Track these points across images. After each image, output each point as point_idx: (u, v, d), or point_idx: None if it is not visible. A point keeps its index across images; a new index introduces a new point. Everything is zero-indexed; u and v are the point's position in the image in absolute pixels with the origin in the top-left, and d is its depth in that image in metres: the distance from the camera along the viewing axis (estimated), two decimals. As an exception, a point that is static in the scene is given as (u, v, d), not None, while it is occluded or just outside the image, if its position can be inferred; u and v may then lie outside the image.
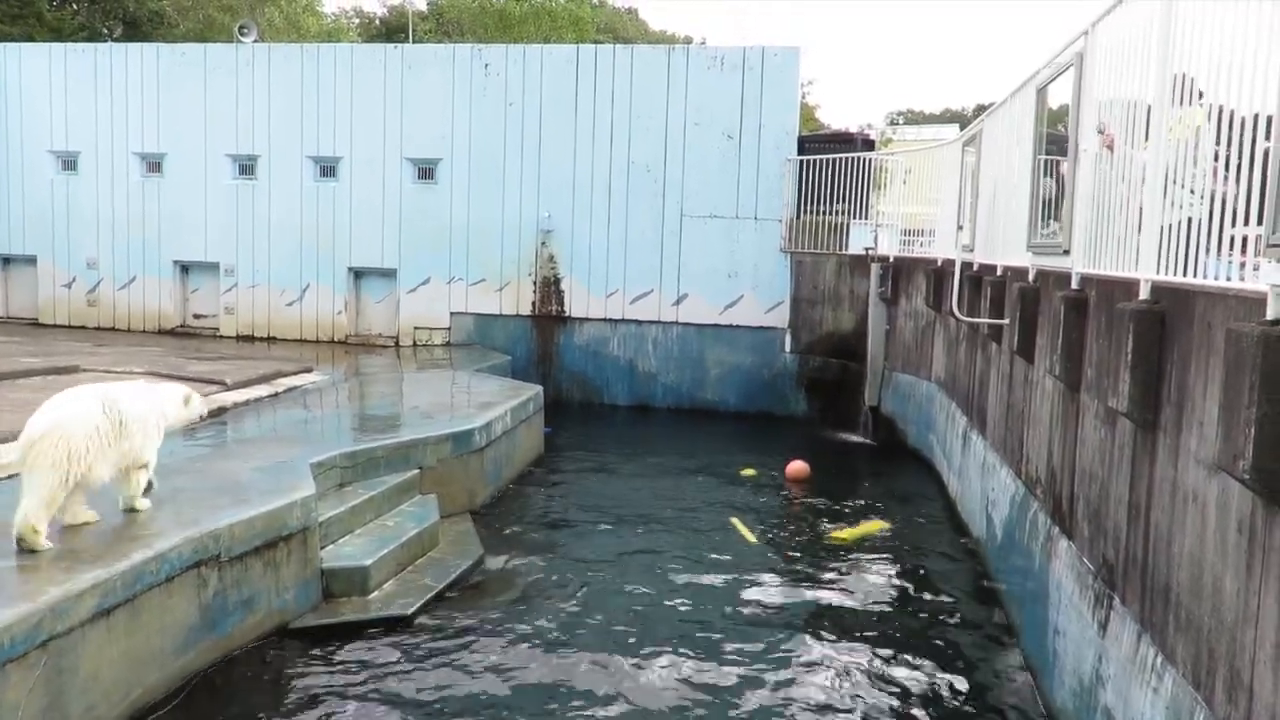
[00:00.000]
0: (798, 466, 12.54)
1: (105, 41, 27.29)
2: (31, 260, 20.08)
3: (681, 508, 11.09)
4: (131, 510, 6.77)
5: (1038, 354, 7.37)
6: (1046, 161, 7.48)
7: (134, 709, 5.81)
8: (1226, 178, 4.00)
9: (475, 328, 18.35)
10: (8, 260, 20.41)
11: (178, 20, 31.13)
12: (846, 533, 10.21)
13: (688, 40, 56.55)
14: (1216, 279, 4.15)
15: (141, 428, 6.61)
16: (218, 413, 10.79)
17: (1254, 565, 3.53)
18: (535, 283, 18.18)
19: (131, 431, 6.50)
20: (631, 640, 7.35)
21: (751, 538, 9.87)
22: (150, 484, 6.94)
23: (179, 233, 19.26)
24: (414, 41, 32.46)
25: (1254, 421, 3.25)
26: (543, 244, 18.04)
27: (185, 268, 19.62)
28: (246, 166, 18.99)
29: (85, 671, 5.41)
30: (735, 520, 10.37)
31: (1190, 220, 4.34)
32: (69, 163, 19.68)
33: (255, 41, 19.60)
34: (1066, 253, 6.46)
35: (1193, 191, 4.48)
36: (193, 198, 19.08)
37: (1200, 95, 4.42)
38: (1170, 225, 4.56)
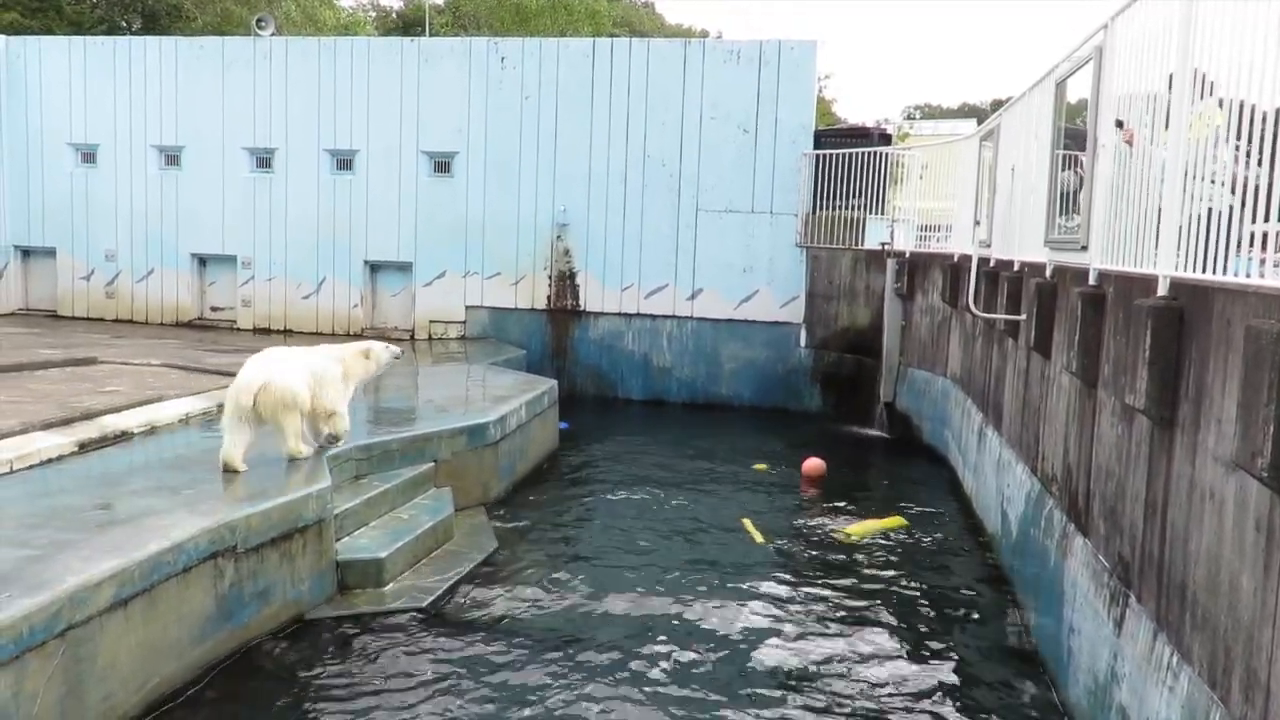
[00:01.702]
0: (814, 464, 12.49)
1: (124, 35, 27.44)
2: (51, 252, 20.23)
3: (694, 503, 11.09)
4: (322, 449, 8.55)
5: (1054, 350, 7.34)
6: (1066, 155, 7.43)
7: (151, 698, 5.86)
8: (1248, 163, 3.96)
9: (490, 321, 18.39)
10: (27, 252, 20.56)
11: (195, 13, 31.23)
12: (857, 528, 10.19)
13: (704, 34, 56.45)
14: (1236, 275, 4.12)
15: (331, 381, 8.38)
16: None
17: (1271, 564, 3.51)
18: (550, 277, 18.19)
19: (324, 384, 8.32)
20: (643, 635, 7.36)
21: (759, 538, 9.81)
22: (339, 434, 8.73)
23: (197, 225, 19.37)
24: (430, 35, 32.50)
25: (1273, 419, 3.23)
26: (558, 238, 18.05)
27: (203, 260, 19.73)
28: (264, 160, 19.07)
29: (103, 661, 5.45)
30: (745, 520, 10.33)
31: (1210, 211, 4.31)
32: (88, 155, 19.80)
33: (272, 35, 19.66)
34: (1084, 248, 6.42)
35: (1213, 181, 4.45)
36: (210, 191, 19.18)
37: (1211, 89, 4.39)
38: (1190, 220, 4.52)
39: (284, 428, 7.99)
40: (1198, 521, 4.31)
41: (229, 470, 7.72)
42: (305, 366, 8.17)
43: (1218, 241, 4.17)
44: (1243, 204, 3.94)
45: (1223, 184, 4.27)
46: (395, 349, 9.24)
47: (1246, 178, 3.94)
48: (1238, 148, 4.07)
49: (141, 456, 8.52)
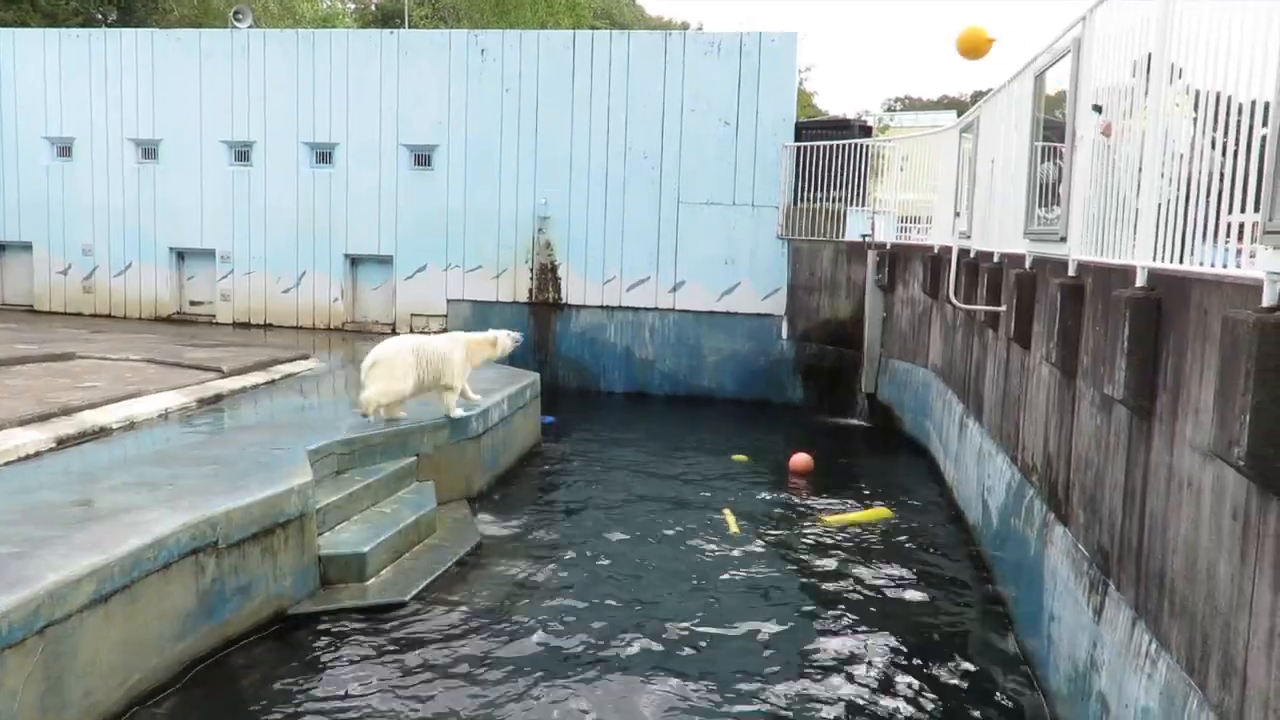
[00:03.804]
0: (801, 459, 12.49)
1: (99, 27, 27.13)
2: (27, 247, 20.02)
3: (677, 494, 11.11)
4: (448, 417, 10.26)
5: (1034, 341, 7.38)
6: (1045, 147, 7.47)
7: (133, 695, 5.83)
8: (1208, 155, 4.01)
9: (472, 315, 18.32)
10: (3, 247, 20.33)
11: (172, 5, 30.90)
12: (837, 518, 10.22)
13: (685, 26, 56.36)
14: (1214, 266, 4.15)
15: (445, 362, 10.03)
16: (214, 400, 10.80)
17: (1248, 552, 3.55)
18: (532, 270, 18.15)
19: (436, 364, 9.96)
20: (626, 628, 7.37)
21: (735, 528, 9.76)
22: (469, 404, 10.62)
23: (175, 219, 19.21)
24: (410, 27, 32.30)
25: (1249, 408, 3.26)
26: (539, 231, 18.01)
27: (181, 254, 19.57)
28: (242, 153, 18.93)
29: (84, 657, 5.42)
30: (726, 510, 10.33)
31: (1161, 206, 4.40)
32: (64, 149, 19.59)
33: (250, 27, 19.51)
34: (1063, 240, 6.46)
35: (1167, 179, 4.52)
36: (188, 184, 19.02)
37: (1181, 73, 4.44)
38: (1156, 210, 4.56)
39: (381, 392, 9.77)
40: (1176, 510, 4.35)
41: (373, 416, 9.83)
42: (416, 350, 9.87)
43: (1168, 232, 4.22)
44: (1219, 204, 3.97)
45: (1172, 182, 4.35)
46: (516, 335, 10.94)
47: (1211, 173, 3.98)
48: (1214, 140, 4.10)
49: (121, 452, 8.46)
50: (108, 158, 19.32)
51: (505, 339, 10.69)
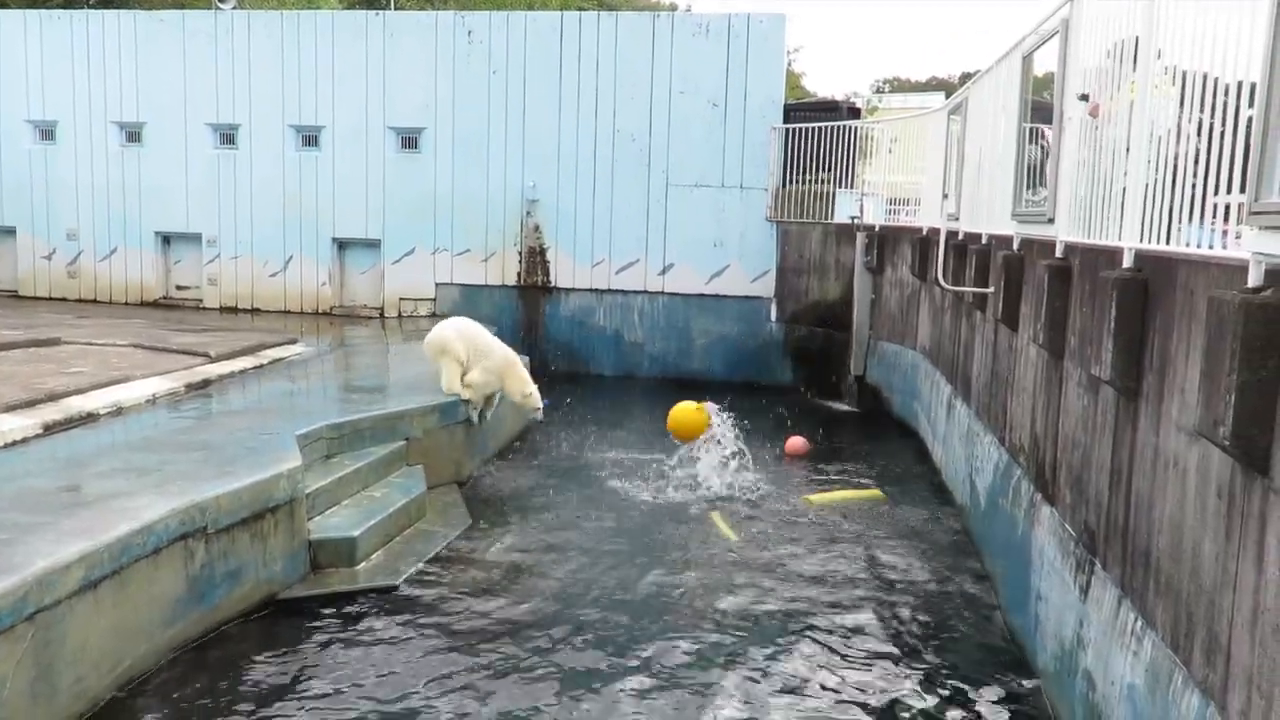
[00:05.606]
0: (797, 442, 12.50)
1: (81, 8, 26.83)
2: (10, 231, 19.85)
3: (667, 477, 11.11)
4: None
5: (1022, 322, 7.41)
6: (1032, 129, 7.47)
7: (123, 680, 5.83)
8: (1193, 138, 4.03)
9: (461, 298, 18.28)
10: (-14, 232, 20.18)
11: (155, -14, 30.57)
12: (823, 497, 10.25)
13: (673, 7, 56.06)
14: (1199, 247, 4.17)
15: (488, 354, 10.60)
16: (202, 385, 10.76)
17: (1233, 530, 3.58)
18: (521, 253, 18.10)
19: (478, 359, 10.53)
20: (615, 609, 7.40)
21: (729, 533, 9.36)
22: (483, 413, 10.89)
23: (160, 203, 19.06)
24: (395, 8, 32.03)
25: (1234, 388, 3.28)
26: (528, 214, 17.95)
27: (167, 239, 19.45)
28: (227, 136, 18.78)
29: (73, 644, 5.42)
30: (715, 515, 9.89)
31: (1148, 187, 4.43)
32: (47, 132, 19.40)
33: (234, 8, 19.33)
34: (1051, 221, 6.47)
35: (1153, 162, 4.54)
36: (173, 167, 18.87)
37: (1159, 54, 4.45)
38: (1139, 192, 4.58)
39: (441, 370, 10.48)
40: (1161, 490, 4.39)
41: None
42: (461, 333, 10.51)
43: (1155, 213, 4.24)
44: (1204, 185, 3.99)
45: (1154, 165, 4.38)
46: (539, 412, 11.14)
47: (1191, 154, 4.00)
48: (1200, 124, 4.11)
49: (108, 438, 8.43)
50: (91, 141, 19.15)
51: (536, 399, 10.86)
